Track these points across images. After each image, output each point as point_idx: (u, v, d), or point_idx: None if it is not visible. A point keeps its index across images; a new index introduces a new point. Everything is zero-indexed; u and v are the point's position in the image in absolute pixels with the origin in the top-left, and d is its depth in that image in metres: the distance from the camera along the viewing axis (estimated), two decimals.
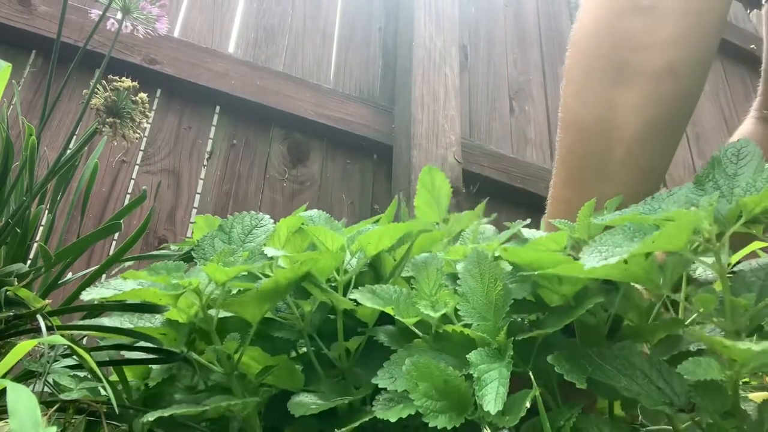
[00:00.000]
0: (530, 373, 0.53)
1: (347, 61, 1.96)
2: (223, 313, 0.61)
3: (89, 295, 0.56)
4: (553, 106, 2.29)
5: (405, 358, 0.54)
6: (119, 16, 0.73)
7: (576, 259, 0.54)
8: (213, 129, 1.67)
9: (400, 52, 2.00)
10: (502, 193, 1.91)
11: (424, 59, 1.92)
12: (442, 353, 0.57)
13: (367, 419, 0.54)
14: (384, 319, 0.66)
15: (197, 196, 1.57)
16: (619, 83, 0.63)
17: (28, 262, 0.74)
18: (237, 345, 0.60)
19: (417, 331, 0.61)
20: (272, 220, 0.65)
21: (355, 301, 0.61)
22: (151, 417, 0.52)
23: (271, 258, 0.62)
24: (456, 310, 0.59)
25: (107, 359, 0.70)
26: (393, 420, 0.52)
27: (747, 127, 1.04)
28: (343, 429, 0.53)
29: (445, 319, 0.60)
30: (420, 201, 0.86)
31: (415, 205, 0.86)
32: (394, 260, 0.72)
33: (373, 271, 0.72)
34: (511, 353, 0.54)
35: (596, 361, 0.53)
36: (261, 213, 0.66)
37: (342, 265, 0.64)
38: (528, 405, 0.50)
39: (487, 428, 0.50)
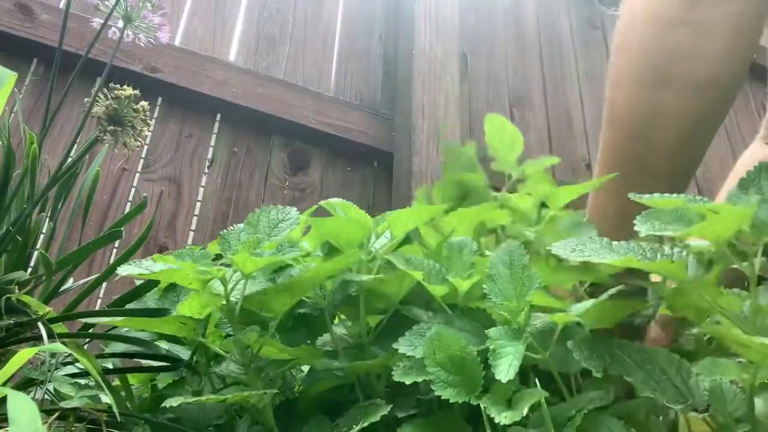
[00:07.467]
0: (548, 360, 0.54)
1: (348, 69, 1.97)
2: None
3: (124, 271, 0.57)
4: (553, 113, 2.30)
5: (427, 329, 0.56)
6: (121, 24, 0.73)
7: None
8: (214, 137, 1.67)
9: (401, 60, 2.00)
10: None
11: (424, 67, 1.92)
12: (464, 331, 0.59)
13: (378, 418, 0.54)
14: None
15: (198, 204, 1.57)
16: (664, 90, 0.70)
17: (29, 269, 0.74)
18: (257, 336, 0.59)
19: (444, 306, 0.63)
20: (298, 212, 0.65)
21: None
22: (174, 402, 0.53)
23: (305, 253, 0.62)
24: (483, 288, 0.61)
25: (110, 366, 0.69)
26: (408, 383, 0.54)
27: (760, 150, 1.03)
28: (357, 427, 0.53)
29: (469, 297, 0.63)
30: None
31: None
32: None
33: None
34: (529, 334, 0.55)
35: (617, 352, 0.52)
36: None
37: (368, 245, 0.65)
38: (525, 411, 0.50)
39: (487, 423, 0.51)
